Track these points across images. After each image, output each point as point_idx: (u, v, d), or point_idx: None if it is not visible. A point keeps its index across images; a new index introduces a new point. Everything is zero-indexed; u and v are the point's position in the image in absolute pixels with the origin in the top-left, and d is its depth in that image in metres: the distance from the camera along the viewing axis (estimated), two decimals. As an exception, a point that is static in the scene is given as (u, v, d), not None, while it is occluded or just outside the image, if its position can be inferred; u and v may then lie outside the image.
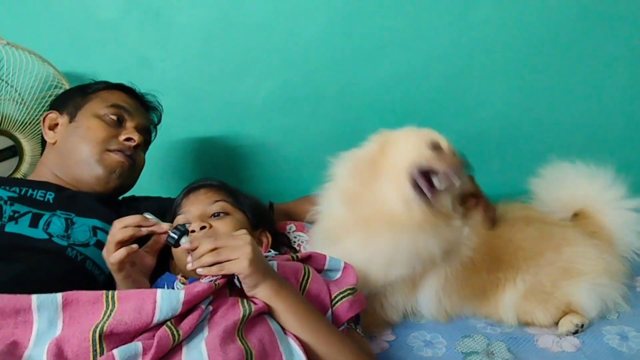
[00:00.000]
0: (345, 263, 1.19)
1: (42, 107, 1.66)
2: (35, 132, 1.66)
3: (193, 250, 0.97)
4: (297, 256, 1.20)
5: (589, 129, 1.85)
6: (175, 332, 0.84)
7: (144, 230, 1.04)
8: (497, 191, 1.43)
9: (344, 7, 1.71)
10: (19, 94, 1.64)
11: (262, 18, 1.73)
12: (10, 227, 1.18)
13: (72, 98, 1.47)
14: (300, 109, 1.84)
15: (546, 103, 1.83)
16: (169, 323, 0.85)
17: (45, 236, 1.20)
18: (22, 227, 1.19)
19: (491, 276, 1.27)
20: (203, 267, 0.95)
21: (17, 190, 1.29)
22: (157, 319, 0.85)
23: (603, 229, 1.34)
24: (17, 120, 1.64)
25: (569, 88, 1.80)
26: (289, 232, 1.53)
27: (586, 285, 1.23)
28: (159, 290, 0.88)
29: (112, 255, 1.03)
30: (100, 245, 1.24)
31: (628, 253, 1.35)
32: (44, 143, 1.49)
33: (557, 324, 1.24)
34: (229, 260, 0.94)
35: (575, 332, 1.20)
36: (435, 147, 1.19)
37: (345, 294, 1.11)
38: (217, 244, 0.95)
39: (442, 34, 1.74)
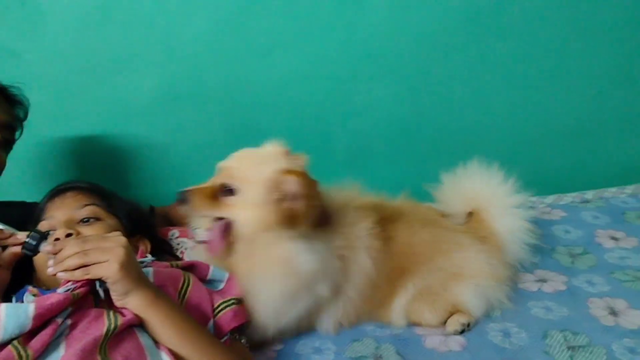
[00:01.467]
0: (230, 274, 1.12)
1: None
2: None
3: (55, 253, 0.86)
4: (178, 264, 1.12)
5: (476, 130, 1.91)
6: (22, 352, 0.74)
7: None
8: (388, 191, 1.42)
9: (233, 4, 1.64)
10: None
11: (143, 8, 1.62)
12: None
13: None
14: (186, 109, 1.75)
15: (435, 105, 1.86)
16: (15, 342, 0.75)
17: None
18: None
19: (390, 286, 1.25)
20: (66, 271, 0.84)
21: None
22: (1, 338, 0.75)
23: (493, 234, 1.37)
24: None
25: (455, 90, 1.85)
26: (171, 239, 1.44)
27: (472, 287, 1.25)
28: (3, 305, 0.77)
29: None
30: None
31: (514, 258, 1.38)
32: None
33: (444, 323, 1.24)
34: (96, 264, 0.84)
35: (462, 332, 1.22)
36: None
37: (230, 303, 1.06)
38: (84, 246, 0.85)
39: (332, 35, 1.72)
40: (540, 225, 1.49)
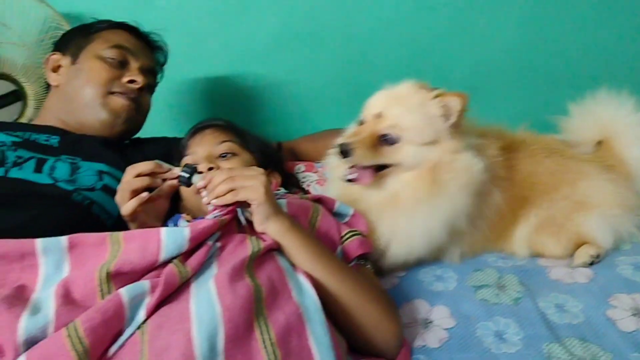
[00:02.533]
0: (354, 211, 1.18)
1: (43, 49, 1.63)
2: (38, 75, 1.64)
3: (206, 187, 0.96)
4: (307, 197, 1.19)
5: (605, 56, 1.78)
6: (182, 270, 0.83)
7: (158, 180, 1.03)
8: (513, 122, 1.39)
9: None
10: (19, 37, 1.60)
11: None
12: (14, 173, 1.17)
13: (74, 38, 1.43)
14: (305, 46, 1.79)
15: (559, 32, 1.76)
16: (175, 261, 0.85)
17: (50, 181, 1.19)
18: (26, 173, 1.18)
19: (513, 216, 1.25)
20: (218, 197, 0.94)
21: (21, 134, 1.27)
22: (162, 257, 0.84)
23: (622, 162, 1.31)
24: (18, 64, 1.61)
25: (581, 15, 1.72)
26: (297, 173, 1.52)
27: (598, 217, 1.21)
28: (163, 229, 0.87)
29: (125, 207, 1.01)
30: (106, 189, 1.24)
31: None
32: (48, 86, 1.46)
33: (571, 255, 1.23)
34: (243, 188, 0.93)
35: (591, 263, 1.19)
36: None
37: (355, 232, 1.11)
38: (231, 173, 0.95)
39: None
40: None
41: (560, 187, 1.25)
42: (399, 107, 1.15)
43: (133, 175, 1.02)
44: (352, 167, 1.17)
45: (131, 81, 1.38)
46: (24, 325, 0.74)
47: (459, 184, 1.14)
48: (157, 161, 1.04)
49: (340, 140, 1.14)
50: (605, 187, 1.24)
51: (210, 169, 1.16)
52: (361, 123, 1.20)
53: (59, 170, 1.22)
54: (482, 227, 1.22)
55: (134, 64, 1.41)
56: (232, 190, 0.94)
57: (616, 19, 1.76)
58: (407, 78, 1.77)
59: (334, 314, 0.94)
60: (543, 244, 1.24)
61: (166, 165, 1.03)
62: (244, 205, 0.97)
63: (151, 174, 1.02)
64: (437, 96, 1.13)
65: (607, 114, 1.34)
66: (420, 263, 1.27)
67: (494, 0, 1.72)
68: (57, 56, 1.42)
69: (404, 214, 1.17)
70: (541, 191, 1.25)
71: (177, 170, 1.02)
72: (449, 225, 1.16)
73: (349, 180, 1.17)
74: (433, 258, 1.26)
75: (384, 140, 1.14)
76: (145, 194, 1.01)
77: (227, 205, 0.97)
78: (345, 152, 1.12)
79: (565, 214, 1.23)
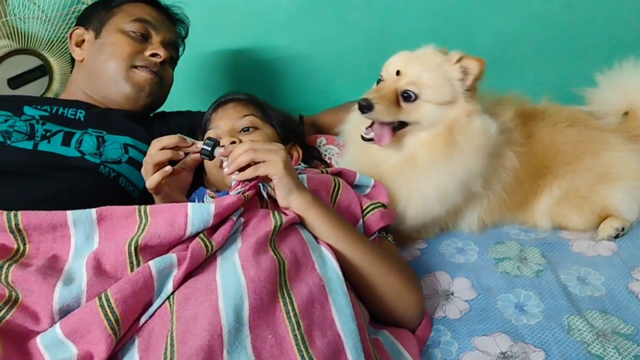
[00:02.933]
0: (375, 181, 1.18)
1: (67, 24, 1.63)
2: (63, 50, 1.65)
3: (227, 156, 0.98)
4: (327, 170, 1.20)
5: (634, 25, 1.73)
6: (208, 244, 0.85)
7: (181, 153, 1.05)
8: (536, 93, 1.37)
9: None
10: (43, 12, 1.61)
11: None
12: (43, 146, 1.19)
13: (96, 12, 1.44)
14: (326, 18, 1.77)
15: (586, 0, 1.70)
16: (201, 235, 0.86)
17: (78, 154, 1.22)
18: (54, 146, 1.21)
19: (533, 184, 1.25)
20: (239, 168, 0.95)
21: (49, 109, 1.30)
22: (189, 231, 0.86)
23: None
24: (43, 39, 1.62)
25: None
26: (319, 146, 1.52)
27: (623, 189, 1.21)
28: (189, 204, 0.89)
29: (149, 180, 1.03)
30: (132, 162, 1.27)
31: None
32: (73, 61, 1.48)
33: (594, 228, 1.23)
34: (264, 162, 0.95)
35: (616, 236, 1.18)
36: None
37: (377, 205, 1.12)
38: (253, 145, 0.95)
39: None
40: None
41: (584, 158, 1.24)
42: (419, 65, 1.15)
43: (157, 148, 1.04)
44: (371, 127, 1.18)
45: (154, 55, 1.39)
46: (59, 294, 0.77)
47: (474, 146, 1.15)
48: (180, 135, 1.05)
49: (361, 96, 1.14)
50: (631, 158, 1.23)
51: (232, 142, 1.17)
52: (379, 82, 1.20)
53: (85, 144, 1.24)
54: (498, 191, 1.22)
55: (156, 38, 1.42)
56: (252, 162, 0.95)
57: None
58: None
59: (356, 285, 0.96)
60: (566, 216, 1.24)
61: (189, 140, 1.05)
62: (266, 179, 0.99)
63: (175, 148, 1.04)
64: (456, 59, 1.13)
65: (634, 84, 1.31)
66: (441, 234, 1.28)
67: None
68: (80, 31, 1.43)
69: (421, 174, 1.18)
70: (563, 161, 1.24)
71: (200, 145, 1.03)
72: (464, 185, 1.17)
73: (368, 140, 1.18)
74: (452, 223, 1.27)
75: (403, 97, 1.14)
76: (168, 168, 1.03)
77: (249, 181, 0.99)
78: (366, 107, 1.11)
79: (588, 186, 1.22)
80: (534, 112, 1.29)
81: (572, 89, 1.36)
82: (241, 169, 0.96)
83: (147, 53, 1.38)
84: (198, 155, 1.04)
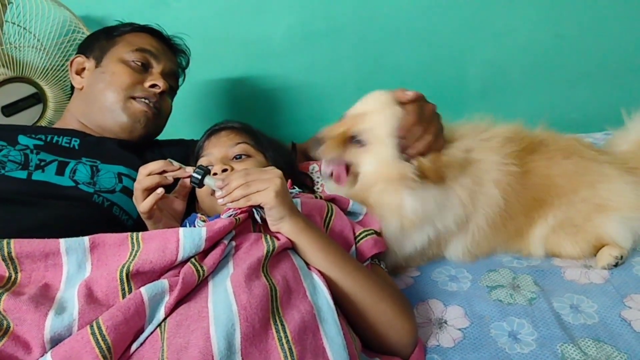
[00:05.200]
0: (367, 210, 1.19)
1: (62, 52, 1.66)
2: (57, 78, 1.67)
3: (222, 188, 0.98)
4: (320, 196, 1.21)
5: (623, 55, 1.77)
6: (199, 268, 0.85)
7: (169, 177, 1.05)
8: (527, 122, 1.38)
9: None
10: (39, 41, 1.64)
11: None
12: (37, 176, 1.19)
13: (98, 41, 1.45)
14: (320, 46, 1.80)
15: (576, 29, 1.74)
16: (193, 260, 0.86)
17: (72, 183, 1.22)
18: (48, 175, 1.21)
19: (527, 217, 1.25)
20: (233, 200, 0.96)
21: (43, 137, 1.30)
22: (181, 256, 0.86)
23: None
24: (38, 67, 1.64)
25: (601, 11, 1.71)
26: (311, 173, 1.53)
27: (618, 219, 1.21)
28: (181, 229, 0.89)
29: (141, 205, 1.04)
30: (125, 191, 1.27)
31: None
32: (72, 88, 1.49)
33: (588, 257, 1.23)
34: (257, 192, 0.95)
35: (615, 265, 1.18)
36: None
37: (370, 232, 1.12)
38: (247, 178, 0.96)
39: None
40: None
41: (579, 190, 1.24)
42: (378, 115, 1.16)
43: (144, 174, 1.05)
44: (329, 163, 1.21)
45: (153, 85, 1.40)
46: (50, 323, 0.76)
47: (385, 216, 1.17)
48: (167, 160, 1.06)
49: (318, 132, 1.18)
50: (626, 191, 1.23)
51: (224, 170, 1.18)
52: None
53: (79, 173, 1.24)
54: (482, 225, 1.22)
55: (156, 68, 1.43)
56: (246, 195, 0.95)
57: (633, 16, 1.75)
58: (423, 77, 1.78)
59: (349, 312, 0.96)
60: (560, 245, 1.24)
61: (176, 164, 1.06)
62: (258, 207, 0.99)
63: (162, 172, 1.04)
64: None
65: None
66: (433, 262, 1.28)
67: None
68: (81, 59, 1.44)
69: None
70: (558, 193, 1.24)
71: (189, 169, 1.04)
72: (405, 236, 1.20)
73: (330, 177, 1.21)
74: (437, 254, 1.28)
75: (354, 142, 1.17)
76: (160, 190, 1.04)
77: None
78: (316, 143, 1.17)
79: (583, 216, 1.23)
80: (530, 144, 1.29)
81: (563, 115, 1.38)
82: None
83: (147, 84, 1.39)
84: (188, 181, 1.05)
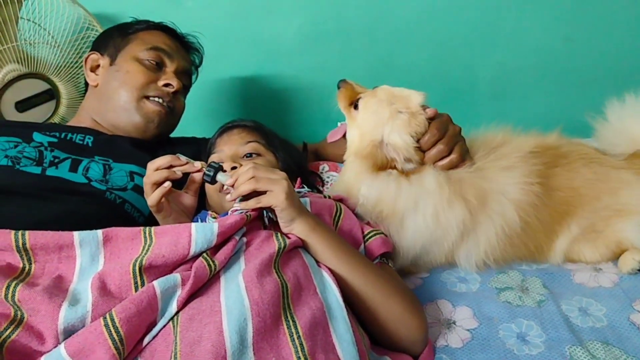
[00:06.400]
0: None
1: (76, 49, 1.67)
2: (71, 75, 1.68)
3: (232, 185, 0.99)
4: (329, 196, 1.21)
5: (636, 57, 1.76)
6: (211, 263, 0.86)
7: (177, 171, 1.06)
8: (539, 125, 1.38)
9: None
10: (52, 37, 1.65)
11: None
12: (51, 172, 1.21)
13: (112, 39, 1.46)
14: (330, 46, 1.80)
15: (588, 32, 1.74)
16: (205, 254, 0.87)
17: (85, 180, 1.23)
18: (62, 172, 1.22)
19: (548, 233, 1.23)
20: (241, 195, 0.97)
21: (57, 134, 1.31)
22: (193, 251, 0.87)
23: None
24: (52, 64, 1.65)
25: (611, 15, 1.71)
26: (322, 172, 1.54)
27: (636, 222, 1.20)
28: (193, 224, 0.90)
29: (150, 198, 1.05)
30: (137, 189, 1.28)
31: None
32: (86, 85, 1.50)
33: (606, 261, 1.22)
34: (266, 192, 0.96)
35: None
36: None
37: (378, 231, 1.13)
38: (256, 173, 0.97)
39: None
40: None
41: (602, 197, 1.23)
42: (389, 99, 1.18)
43: (152, 169, 1.06)
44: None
45: (167, 84, 1.40)
46: (64, 315, 0.77)
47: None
48: (174, 154, 1.07)
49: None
50: None
51: (233, 168, 1.19)
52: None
53: (92, 171, 1.26)
54: (495, 243, 1.19)
55: (170, 66, 1.44)
56: (254, 190, 0.96)
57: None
58: (433, 79, 1.78)
59: (359, 309, 0.96)
60: (580, 252, 1.23)
61: (184, 158, 1.07)
62: (268, 209, 1.00)
63: (170, 167, 1.06)
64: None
65: None
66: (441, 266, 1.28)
67: (520, 1, 1.72)
68: (95, 56, 1.45)
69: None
70: (582, 203, 1.23)
71: (197, 164, 1.05)
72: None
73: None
74: (446, 261, 1.25)
75: (356, 104, 1.23)
76: (167, 184, 1.05)
77: None
78: (338, 86, 1.29)
79: (604, 221, 1.22)
80: (553, 157, 1.26)
81: (574, 120, 1.36)
82: (244, 197, 0.98)
83: (161, 83, 1.40)
84: (199, 176, 1.06)
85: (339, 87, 1.28)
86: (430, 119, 1.16)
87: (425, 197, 1.15)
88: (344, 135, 1.29)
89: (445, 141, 1.15)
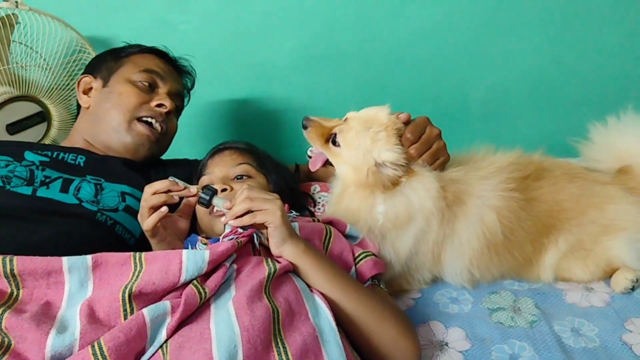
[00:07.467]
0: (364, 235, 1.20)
1: (68, 72, 1.68)
2: (62, 97, 1.68)
3: (228, 209, 0.99)
4: (318, 219, 1.21)
5: (624, 80, 1.78)
6: (201, 290, 0.85)
7: (175, 196, 1.06)
8: (530, 146, 1.39)
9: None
10: (44, 60, 1.65)
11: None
12: (42, 192, 1.20)
13: (105, 62, 1.47)
14: (322, 69, 1.82)
15: (577, 54, 1.77)
16: (195, 282, 0.87)
17: (76, 201, 1.22)
18: (53, 192, 1.21)
19: (536, 244, 1.25)
20: (236, 215, 0.97)
21: (49, 154, 1.31)
22: (183, 278, 0.86)
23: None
24: (43, 86, 1.66)
25: (600, 38, 1.73)
26: (313, 193, 1.54)
27: (626, 240, 1.20)
28: (184, 251, 0.89)
29: (146, 222, 1.05)
30: (128, 210, 1.27)
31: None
32: (78, 108, 1.50)
33: (597, 280, 1.22)
34: (261, 210, 0.96)
35: (633, 288, 1.17)
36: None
37: (368, 253, 1.13)
38: (251, 194, 0.97)
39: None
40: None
41: (588, 212, 1.24)
42: (357, 123, 1.20)
43: (150, 193, 1.06)
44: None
45: (159, 105, 1.41)
46: (52, 342, 0.76)
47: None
48: (171, 178, 1.07)
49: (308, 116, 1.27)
50: (633, 210, 1.23)
51: (224, 190, 1.19)
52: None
53: (84, 191, 1.25)
54: (477, 247, 1.21)
55: (162, 88, 1.45)
56: (249, 211, 0.96)
57: (633, 42, 1.77)
58: (425, 101, 1.79)
59: (352, 333, 0.96)
60: (570, 270, 1.23)
61: (181, 183, 1.07)
62: (261, 227, 1.00)
63: (167, 192, 1.05)
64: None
65: (629, 138, 1.33)
66: (435, 284, 1.28)
67: (511, 23, 1.74)
68: (88, 79, 1.46)
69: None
70: (567, 217, 1.24)
71: (193, 189, 1.05)
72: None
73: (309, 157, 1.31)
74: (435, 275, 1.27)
75: (334, 140, 1.22)
76: (164, 209, 1.04)
77: (244, 229, 1.00)
78: (304, 125, 1.25)
79: (592, 238, 1.23)
80: (536, 170, 1.29)
81: (565, 140, 1.38)
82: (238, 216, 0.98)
83: (153, 103, 1.41)
84: (193, 200, 1.06)
85: (305, 127, 1.25)
86: (405, 123, 1.20)
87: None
88: (325, 164, 1.29)
89: (423, 141, 1.18)
